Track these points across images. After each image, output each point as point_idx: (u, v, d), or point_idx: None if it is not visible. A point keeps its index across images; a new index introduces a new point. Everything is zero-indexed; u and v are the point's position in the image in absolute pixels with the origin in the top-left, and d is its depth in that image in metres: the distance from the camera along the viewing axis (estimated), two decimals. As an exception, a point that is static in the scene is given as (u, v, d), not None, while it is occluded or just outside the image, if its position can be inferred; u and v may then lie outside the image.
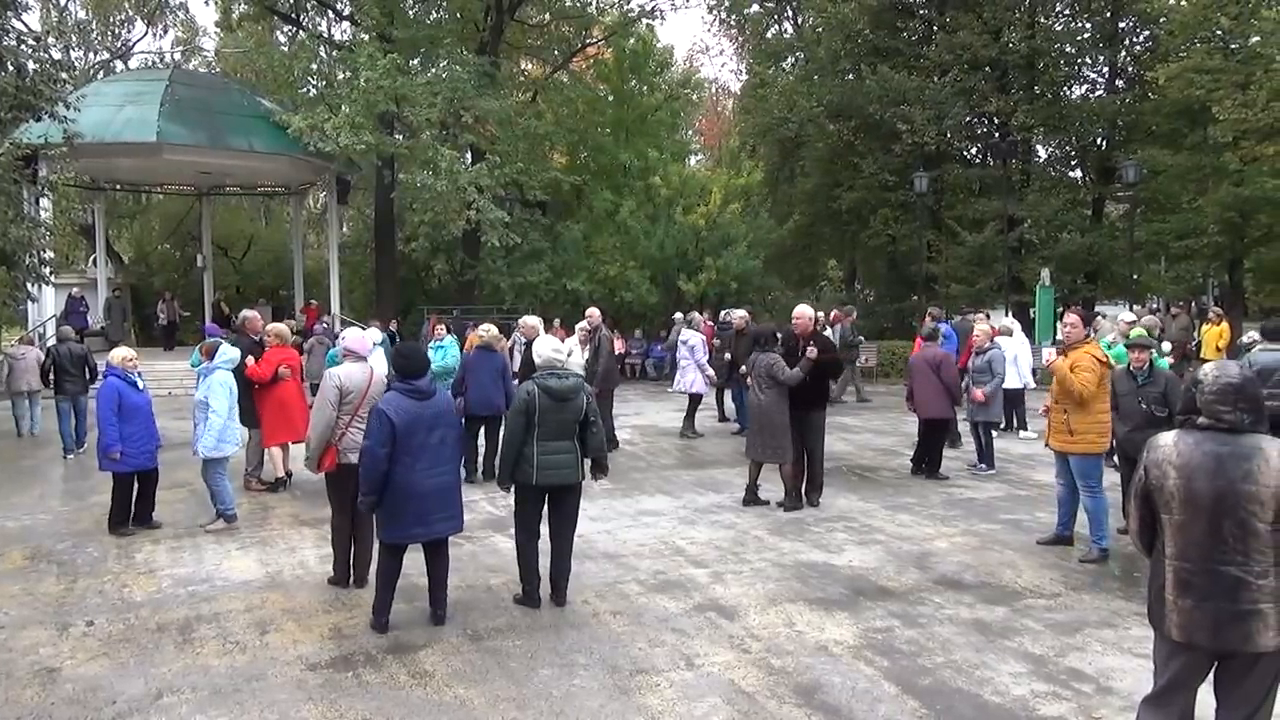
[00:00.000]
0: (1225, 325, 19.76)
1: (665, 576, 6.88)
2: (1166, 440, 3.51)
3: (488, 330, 10.58)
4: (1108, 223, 28.96)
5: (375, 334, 9.56)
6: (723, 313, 14.45)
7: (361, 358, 6.67)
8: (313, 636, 5.73)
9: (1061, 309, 28.13)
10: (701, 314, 16.83)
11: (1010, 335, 13.53)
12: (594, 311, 12.82)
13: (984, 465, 11.11)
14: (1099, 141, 28.58)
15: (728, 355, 13.93)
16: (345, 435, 6.44)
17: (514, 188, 24.17)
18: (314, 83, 24.85)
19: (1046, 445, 7.56)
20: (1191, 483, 3.40)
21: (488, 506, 9.15)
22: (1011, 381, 12.93)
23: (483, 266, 25.04)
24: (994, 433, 11.59)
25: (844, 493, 9.85)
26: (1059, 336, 9.33)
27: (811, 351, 8.81)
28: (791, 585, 6.66)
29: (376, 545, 5.89)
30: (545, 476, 5.97)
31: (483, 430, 10.38)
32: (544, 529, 6.29)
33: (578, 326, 11.61)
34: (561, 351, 6.23)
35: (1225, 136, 22.74)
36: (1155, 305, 27.82)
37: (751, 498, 9.19)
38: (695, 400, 13.93)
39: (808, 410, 8.98)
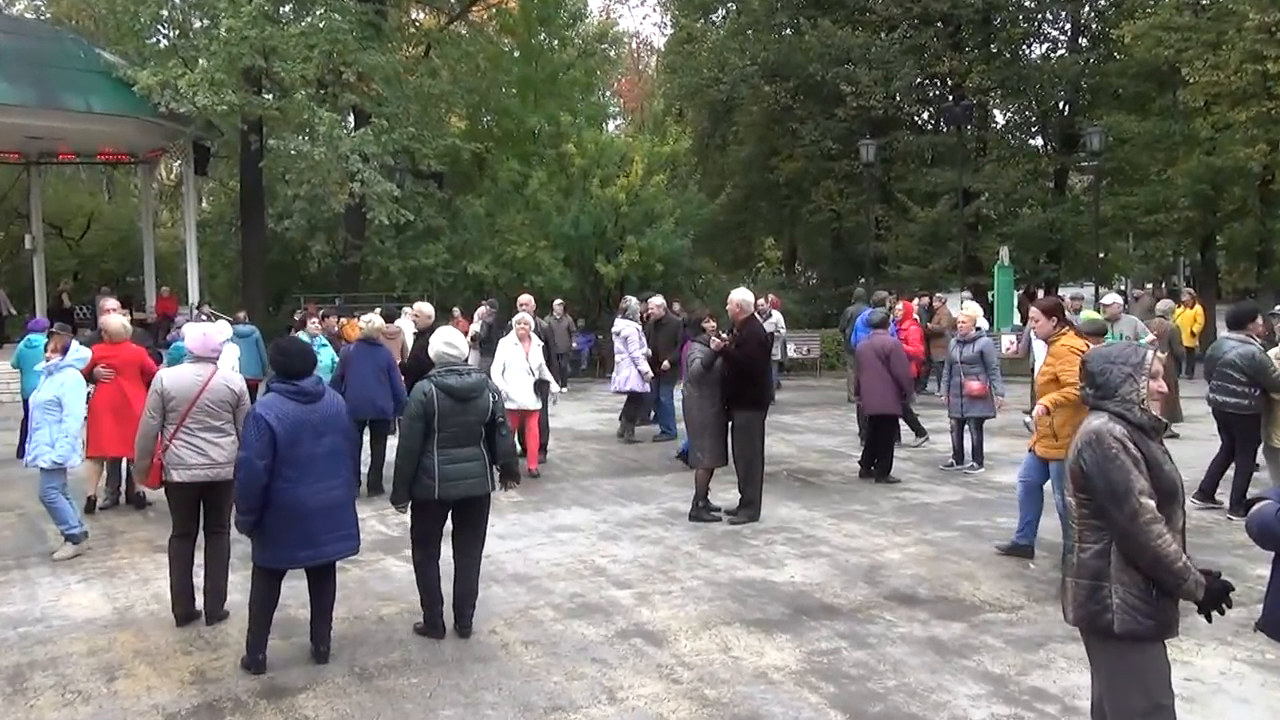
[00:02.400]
0: (1199, 309, 20.56)
1: (584, 600, 6.89)
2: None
3: (370, 320, 10.45)
4: (1071, 196, 29.95)
5: (224, 329, 9.29)
6: (624, 300, 14.46)
7: (203, 358, 6.53)
8: (170, 682, 5.59)
9: (1021, 290, 29.04)
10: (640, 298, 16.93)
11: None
12: (527, 299, 12.83)
13: (974, 464, 11.40)
14: (1061, 106, 29.51)
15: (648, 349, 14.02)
16: (169, 449, 6.30)
17: (405, 156, 23.87)
18: (165, 32, 24.14)
19: (1031, 451, 7.74)
20: None
21: (377, 525, 9.04)
22: None
23: (369, 248, 24.71)
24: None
25: (785, 500, 9.99)
26: (1024, 324, 9.61)
27: (715, 340, 9.02)
28: (727, 605, 6.73)
29: (251, 570, 5.78)
30: (449, 489, 5.94)
31: (366, 436, 10.25)
32: (445, 548, 6.25)
33: (515, 320, 11.23)
34: (457, 346, 6.19)
35: (1196, 101, 23.64)
36: (1121, 287, 28.84)
37: (698, 510, 9.25)
38: (634, 400, 13.97)
39: (735, 410, 9.10)
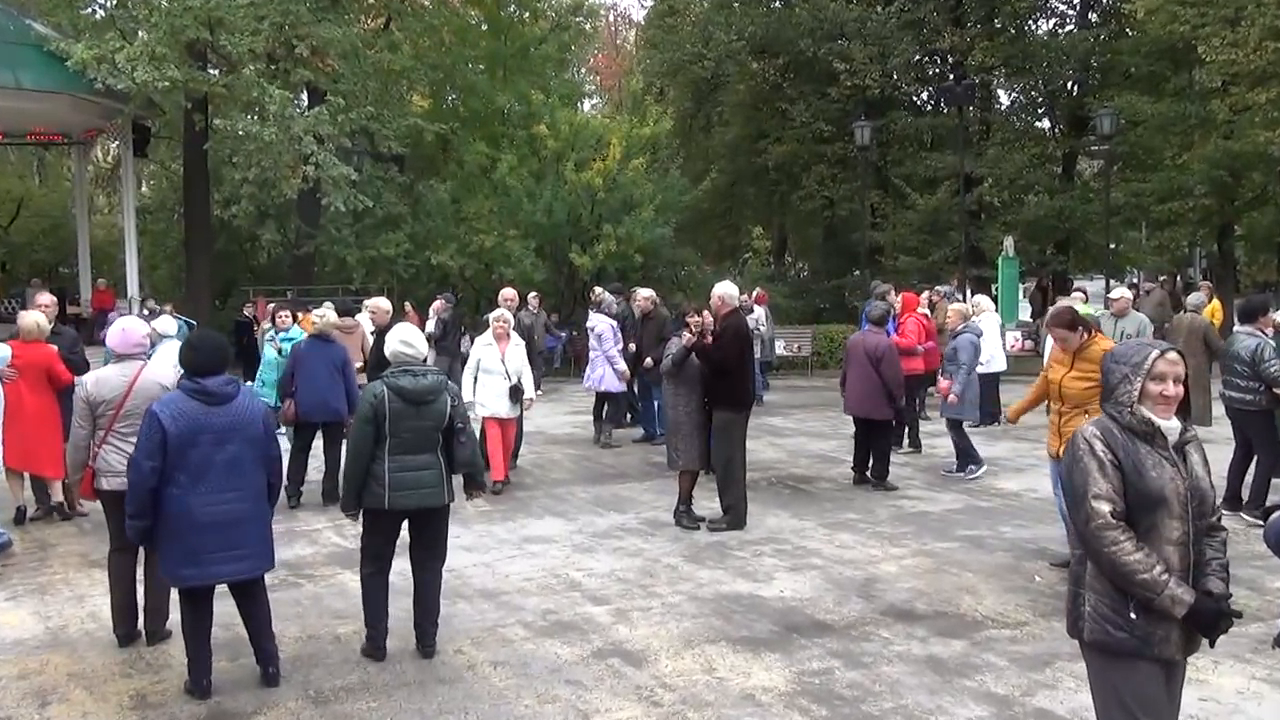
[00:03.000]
0: (1216, 302, 20.69)
1: (557, 617, 6.90)
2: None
3: (322, 315, 10.40)
4: (1080, 183, 30.14)
5: (168, 323, 9.22)
6: (597, 290, 14.48)
7: (127, 355, 6.48)
8: (109, 708, 5.56)
9: (1034, 284, 29.19)
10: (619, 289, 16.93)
11: (983, 313, 14.08)
12: (510, 294, 12.84)
13: (973, 467, 11.52)
14: (1069, 86, 29.69)
15: (632, 346, 14.04)
16: (98, 455, 6.28)
17: (363, 138, 23.79)
18: (101, 1, 23.99)
19: (1053, 456, 7.74)
20: None
21: (333, 537, 9.02)
22: (990, 367, 13.48)
23: (324, 236, 24.61)
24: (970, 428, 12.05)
25: (773, 509, 10.02)
26: (1045, 334, 9.66)
27: (686, 336, 9.12)
28: (711, 623, 6.75)
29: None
30: (400, 499, 5.95)
31: (320, 441, 10.22)
32: (404, 564, 6.24)
33: (492, 317, 11.05)
34: (414, 345, 6.17)
35: (1213, 81, 23.83)
36: (1134, 280, 29.07)
37: (678, 514, 9.33)
38: (608, 400, 13.99)
39: (715, 409, 9.20)
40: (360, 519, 6.15)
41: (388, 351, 6.20)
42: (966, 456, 11.58)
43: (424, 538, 6.19)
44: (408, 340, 6.19)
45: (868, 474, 11.10)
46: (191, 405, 5.43)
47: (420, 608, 6.22)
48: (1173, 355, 3.69)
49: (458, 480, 6.36)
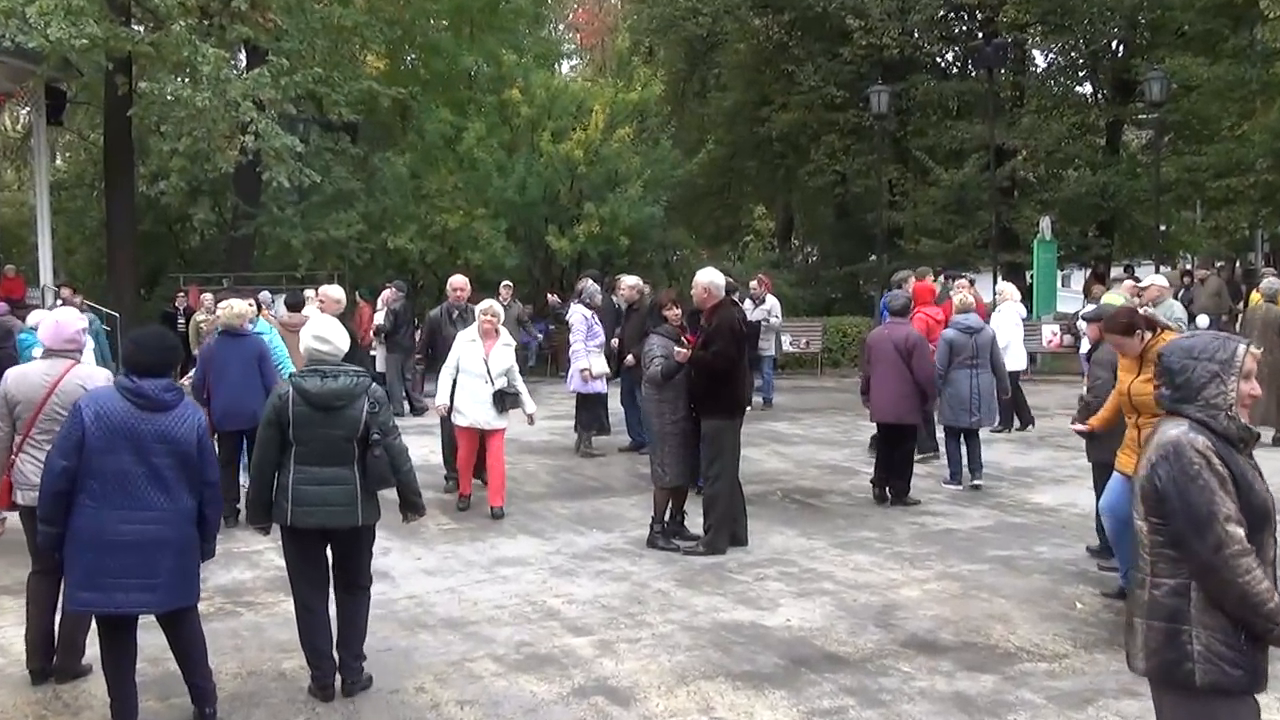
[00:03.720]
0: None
1: (533, 650, 6.90)
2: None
3: (230, 307, 10.26)
4: (1126, 155, 30.22)
5: (73, 317, 9.15)
6: (580, 281, 14.50)
7: (58, 351, 6.47)
8: (20, 753, 5.54)
9: (1089, 271, 29.04)
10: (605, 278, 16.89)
11: (1004, 303, 14.13)
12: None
13: (955, 480, 11.64)
14: (1114, 46, 29.76)
15: (614, 341, 14.05)
16: (14, 464, 6.29)
17: (310, 103, 23.75)
18: (9, -53, 23.84)
19: (1122, 473, 7.66)
20: None
21: (276, 559, 8.93)
22: (1011, 363, 13.51)
23: (265, 216, 24.56)
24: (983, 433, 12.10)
25: (778, 527, 10.05)
26: (1083, 327, 9.68)
27: (680, 353, 9.08)
28: (708, 656, 6.77)
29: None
30: (303, 515, 5.97)
31: (243, 452, 10.22)
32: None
33: (479, 309, 10.88)
34: (329, 341, 6.11)
35: (1276, 40, 23.89)
36: (1188, 265, 29.15)
37: (662, 534, 9.36)
38: (584, 404, 14.06)
39: (703, 416, 9.22)
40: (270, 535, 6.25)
41: (301, 348, 6.21)
42: (971, 466, 11.64)
43: (341, 561, 6.22)
44: (322, 335, 6.14)
45: (886, 488, 11.12)
46: (120, 406, 5.39)
47: (339, 636, 6.22)
48: (1255, 350, 3.69)
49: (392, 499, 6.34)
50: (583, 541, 9.61)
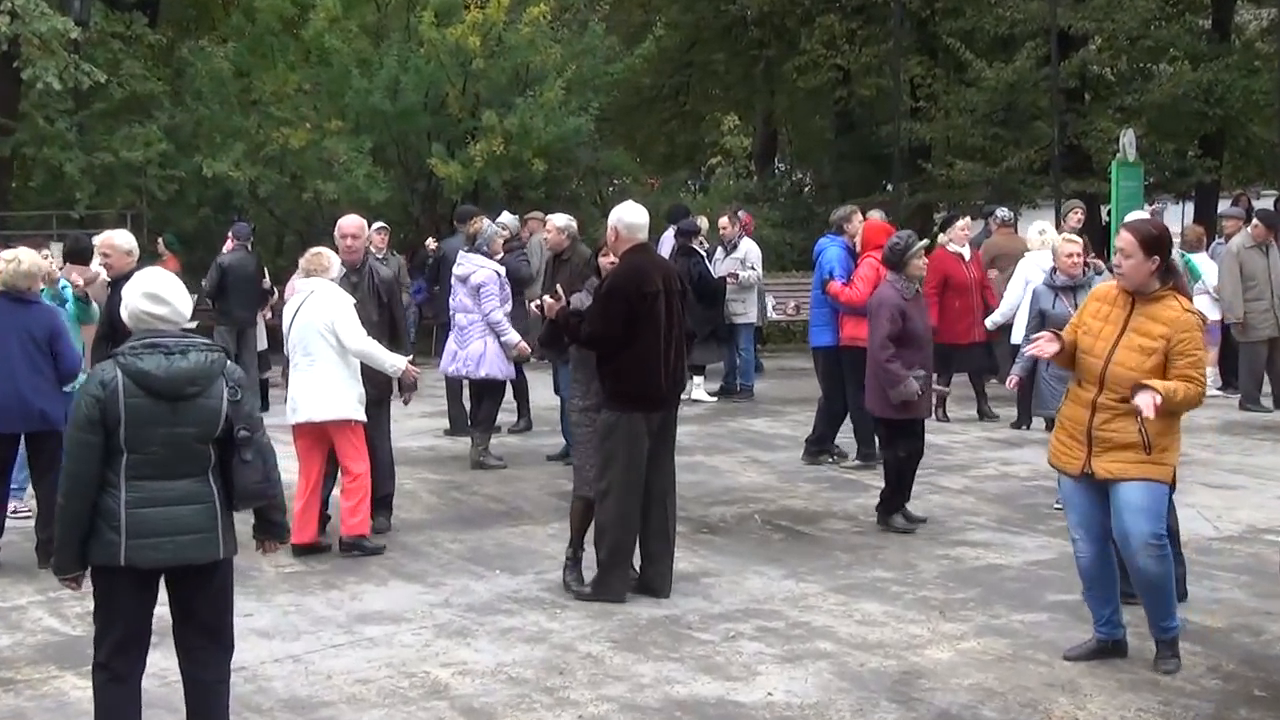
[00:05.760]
0: None
1: (411, 740, 6.91)
2: None
3: (17, 261, 10.10)
4: (1240, 44, 30.36)
5: None
6: (475, 220, 14.48)
7: None
8: None
9: (1236, 197, 29.01)
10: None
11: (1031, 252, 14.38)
12: (353, 225, 12.34)
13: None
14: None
15: (533, 305, 14.00)
16: None
17: (89, -32, 23.44)
18: None
19: (1087, 473, 7.76)
20: None
21: (47, 618, 8.92)
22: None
23: (27, 132, 24.24)
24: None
25: (756, 564, 10.07)
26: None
27: (549, 304, 9.34)
28: (658, 745, 6.80)
29: None
30: (146, 551, 5.89)
31: (26, 464, 10.15)
32: (166, 658, 6.20)
33: (307, 258, 10.86)
34: (168, 300, 6.03)
35: None
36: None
37: (571, 567, 9.45)
38: (490, 394, 14.06)
39: (603, 406, 9.29)
40: (88, 584, 6.07)
41: (125, 313, 6.08)
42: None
43: (194, 613, 6.12)
44: (157, 293, 6.02)
45: (903, 507, 11.19)
46: None
47: None
48: None
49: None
50: (481, 588, 9.58)
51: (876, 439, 12.46)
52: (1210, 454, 13.85)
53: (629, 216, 9.38)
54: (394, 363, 10.68)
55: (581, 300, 9.52)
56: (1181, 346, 7.33)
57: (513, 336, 13.49)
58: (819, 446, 13.81)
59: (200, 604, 6.14)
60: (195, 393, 5.91)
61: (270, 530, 6.36)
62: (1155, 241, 7.48)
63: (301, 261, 11.00)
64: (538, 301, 10.30)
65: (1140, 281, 7.45)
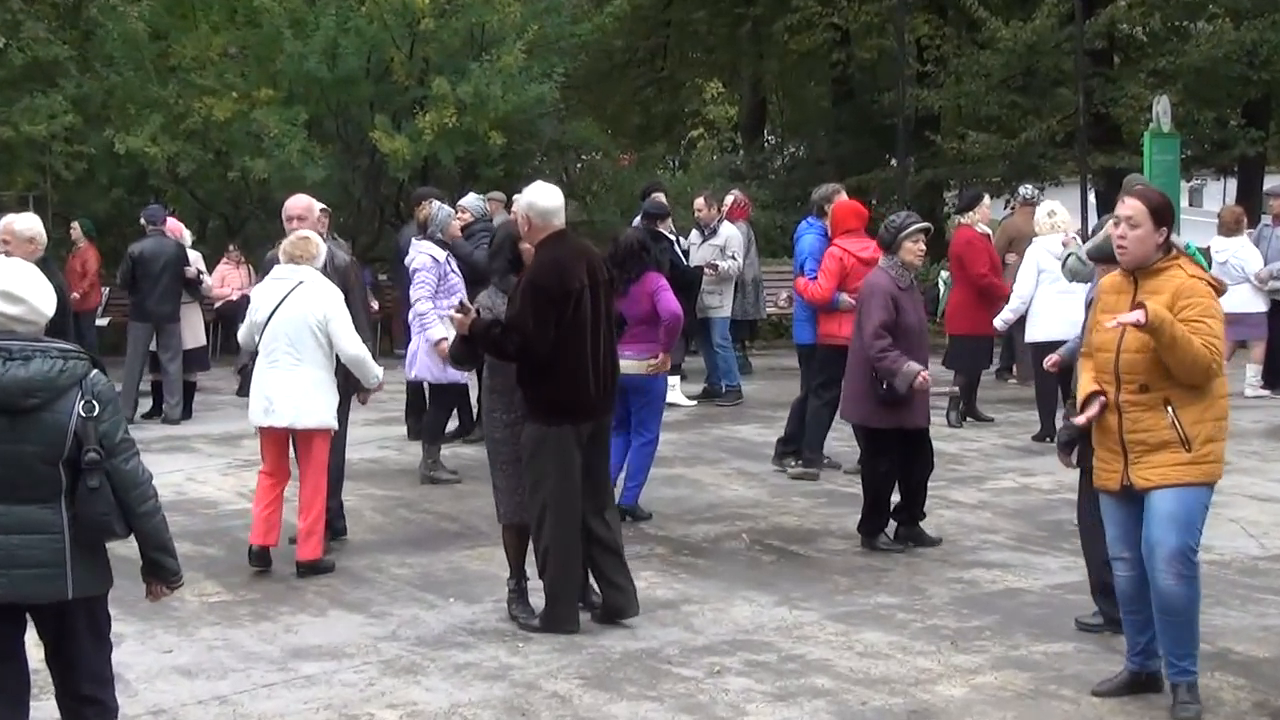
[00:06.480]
0: None
1: (353, 793, 6.90)
2: None
3: None
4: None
5: None
6: (425, 204, 14.45)
7: None
8: None
9: (1218, 183, 29.09)
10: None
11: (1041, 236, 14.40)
12: (300, 206, 12.29)
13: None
14: None
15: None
16: None
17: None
18: None
19: (1127, 485, 7.79)
20: None
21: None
22: (1045, 330, 13.72)
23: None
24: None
25: (745, 590, 10.08)
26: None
27: (458, 319, 9.18)
28: (634, 796, 6.79)
29: None
30: None
31: None
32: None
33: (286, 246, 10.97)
34: (23, 299, 5.97)
35: None
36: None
37: (517, 599, 9.47)
38: (443, 397, 14.06)
39: (527, 419, 9.29)
40: None
41: None
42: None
43: (56, 655, 6.11)
44: (10, 290, 5.95)
45: (914, 522, 11.25)
46: None
47: None
48: None
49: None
50: (433, 619, 9.57)
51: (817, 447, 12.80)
52: (1256, 461, 13.90)
53: (541, 201, 9.23)
54: (379, 374, 10.87)
55: (492, 302, 9.43)
56: (1186, 311, 7.25)
57: (435, 332, 13.35)
58: (785, 448, 13.91)
59: (58, 652, 6.11)
60: (35, 405, 5.80)
61: (155, 570, 6.23)
62: (1165, 209, 7.54)
63: (286, 246, 10.96)
64: (449, 312, 10.18)
65: (1144, 255, 7.46)
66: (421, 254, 13.57)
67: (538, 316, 8.82)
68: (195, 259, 18.18)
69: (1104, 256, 8.63)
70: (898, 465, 11.21)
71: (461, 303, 9.33)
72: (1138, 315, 7.07)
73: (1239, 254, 17.32)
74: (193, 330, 17.86)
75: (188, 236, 18.61)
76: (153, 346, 17.23)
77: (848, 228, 13.38)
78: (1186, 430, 7.35)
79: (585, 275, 9.10)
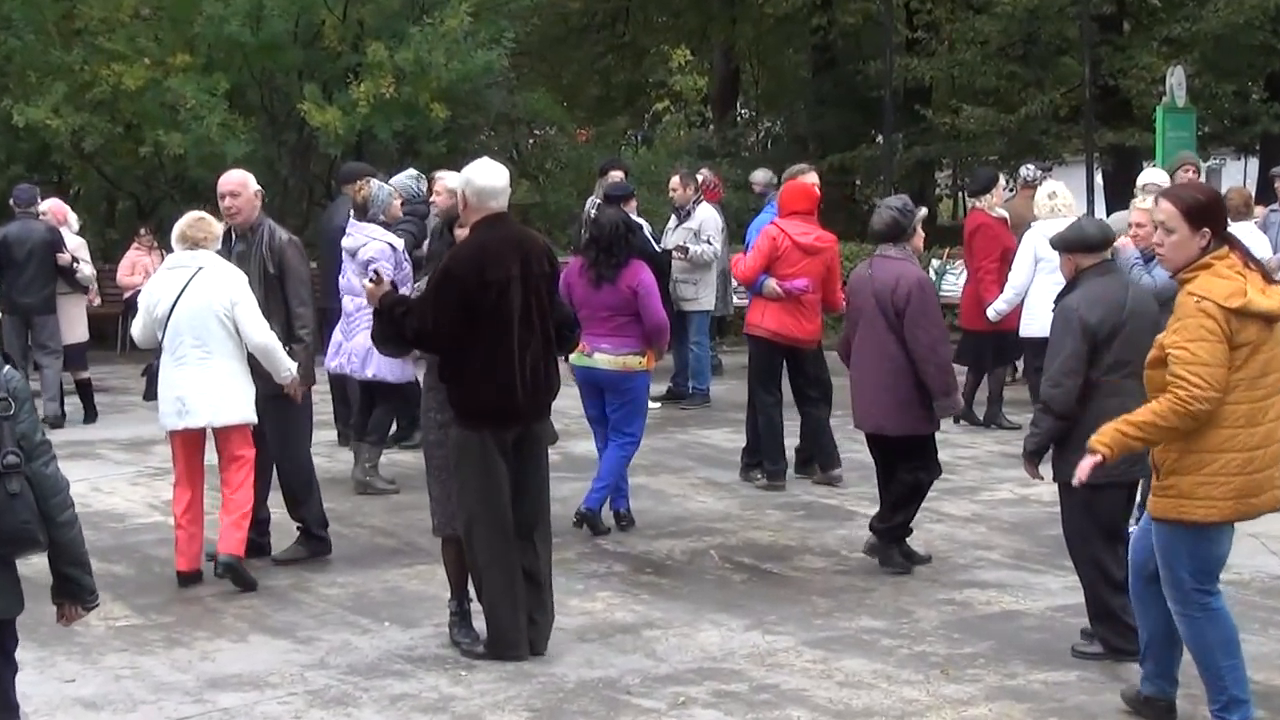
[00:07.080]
0: None
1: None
2: None
3: None
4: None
5: None
6: (361, 182, 14.45)
7: None
8: None
9: (1219, 159, 29.27)
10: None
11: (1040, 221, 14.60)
12: (235, 182, 12.28)
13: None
14: None
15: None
16: None
17: None
18: None
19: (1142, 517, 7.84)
20: None
21: None
22: (1041, 325, 13.76)
23: None
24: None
25: (712, 611, 10.11)
26: None
27: (369, 288, 9.29)
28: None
29: None
30: None
31: None
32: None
33: (185, 225, 10.96)
34: None
35: None
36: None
37: (459, 622, 9.48)
38: (384, 397, 14.11)
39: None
40: None
41: None
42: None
43: None
44: None
45: (902, 539, 11.25)
46: None
47: None
48: None
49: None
50: (366, 644, 9.57)
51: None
52: (1275, 471, 13.94)
53: (480, 179, 9.23)
54: (289, 366, 10.84)
55: (424, 285, 9.44)
56: (1170, 336, 7.16)
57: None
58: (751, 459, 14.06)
59: None
60: None
61: (69, 590, 6.24)
62: (1203, 210, 7.34)
63: (181, 227, 10.93)
64: (363, 282, 10.16)
65: (1184, 260, 7.29)
66: (375, 241, 13.54)
67: (440, 304, 8.90)
68: (77, 246, 18.09)
69: (1068, 245, 8.69)
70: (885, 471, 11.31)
71: (376, 271, 9.36)
72: (1088, 465, 7.28)
73: (1245, 241, 17.26)
74: (70, 324, 17.79)
75: (73, 220, 18.65)
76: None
77: (794, 209, 13.43)
78: (1155, 455, 7.37)
79: (517, 265, 9.05)
